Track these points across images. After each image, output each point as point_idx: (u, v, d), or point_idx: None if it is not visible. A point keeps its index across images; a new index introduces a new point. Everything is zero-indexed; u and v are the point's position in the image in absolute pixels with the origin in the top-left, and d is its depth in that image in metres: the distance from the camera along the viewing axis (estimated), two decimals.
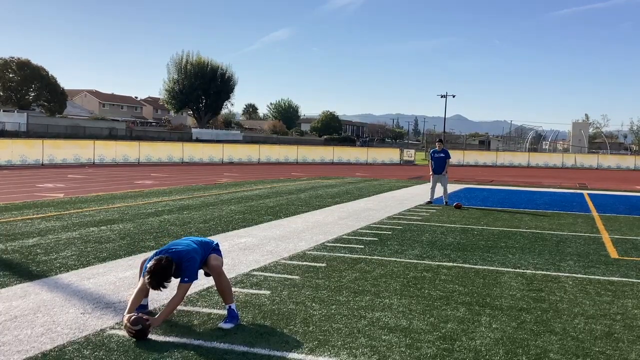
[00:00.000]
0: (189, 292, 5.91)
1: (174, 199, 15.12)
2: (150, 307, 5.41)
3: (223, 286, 5.16)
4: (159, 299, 5.67)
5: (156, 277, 4.78)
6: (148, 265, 4.84)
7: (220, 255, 5.36)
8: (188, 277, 4.99)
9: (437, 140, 18.07)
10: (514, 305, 5.91)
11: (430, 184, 16.33)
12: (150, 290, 5.08)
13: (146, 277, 4.81)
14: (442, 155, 16.22)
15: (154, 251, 5.24)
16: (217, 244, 5.45)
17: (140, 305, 5.15)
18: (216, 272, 5.17)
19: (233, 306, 5.11)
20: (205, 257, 5.22)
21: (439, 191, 16.18)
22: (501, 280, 6.99)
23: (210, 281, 6.40)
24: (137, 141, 41.79)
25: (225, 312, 5.14)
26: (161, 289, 4.88)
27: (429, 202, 15.73)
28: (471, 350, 4.61)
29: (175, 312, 5.30)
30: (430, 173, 16.30)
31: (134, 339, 4.58)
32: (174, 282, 5.02)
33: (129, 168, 31.09)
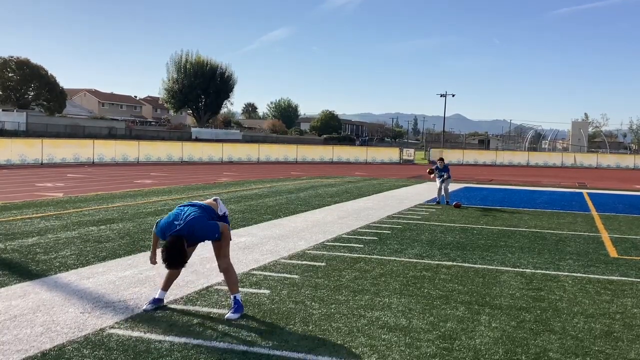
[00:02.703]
0: (188, 292, 5.94)
1: (173, 198, 15.12)
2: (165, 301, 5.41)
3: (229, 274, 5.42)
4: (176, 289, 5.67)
5: (175, 262, 4.97)
6: (163, 257, 4.97)
7: (227, 222, 5.52)
8: (218, 234, 5.18)
9: (439, 159, 18.19)
10: (514, 305, 5.92)
11: (437, 184, 16.42)
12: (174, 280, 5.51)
13: (165, 266, 5.03)
14: (443, 174, 16.47)
15: (165, 217, 5.26)
16: (224, 214, 5.58)
17: (156, 299, 5.41)
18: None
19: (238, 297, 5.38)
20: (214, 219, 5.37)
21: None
22: (501, 280, 6.99)
23: (209, 280, 6.41)
24: (136, 140, 41.74)
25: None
26: (184, 265, 5.12)
27: (438, 203, 15.80)
28: (470, 349, 4.61)
29: (174, 310, 5.32)
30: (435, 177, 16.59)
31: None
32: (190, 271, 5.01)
33: (129, 167, 31.08)
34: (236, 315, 5.17)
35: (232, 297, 5.33)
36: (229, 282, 5.37)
